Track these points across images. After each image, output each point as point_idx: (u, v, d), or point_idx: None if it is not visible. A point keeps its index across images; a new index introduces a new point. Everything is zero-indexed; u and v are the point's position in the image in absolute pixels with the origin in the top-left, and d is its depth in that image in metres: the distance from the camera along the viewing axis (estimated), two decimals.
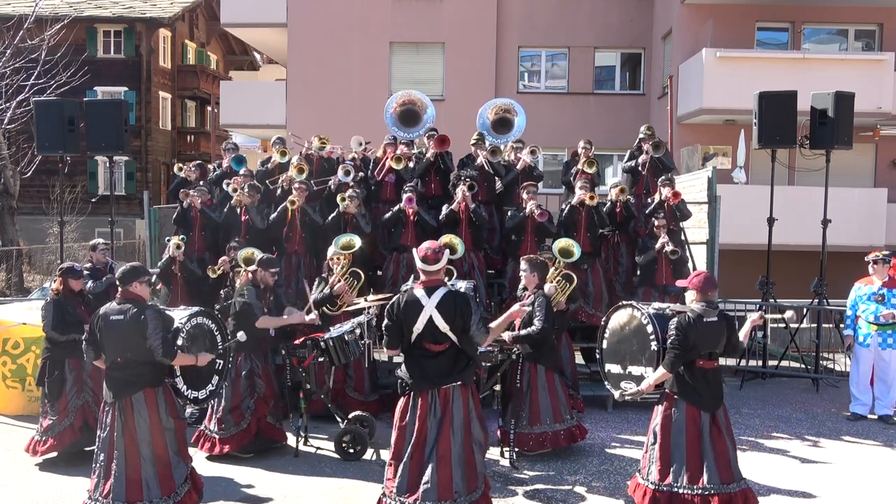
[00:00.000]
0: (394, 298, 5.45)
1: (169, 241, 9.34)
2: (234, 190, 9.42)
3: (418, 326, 5.21)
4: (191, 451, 6.38)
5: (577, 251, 8.34)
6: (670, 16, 19.20)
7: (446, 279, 7.10)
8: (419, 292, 5.27)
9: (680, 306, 5.82)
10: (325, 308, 8.07)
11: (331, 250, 8.40)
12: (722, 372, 5.80)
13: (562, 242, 8.36)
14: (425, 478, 5.18)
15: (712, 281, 5.63)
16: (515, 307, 5.86)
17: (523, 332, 7.02)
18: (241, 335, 6.44)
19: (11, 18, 20.92)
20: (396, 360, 5.61)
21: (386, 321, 5.40)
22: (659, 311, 5.91)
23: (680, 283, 5.99)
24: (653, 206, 9.38)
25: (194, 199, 9.53)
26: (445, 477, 5.18)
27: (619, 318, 6.19)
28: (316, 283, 8.29)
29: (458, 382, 5.28)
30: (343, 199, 8.96)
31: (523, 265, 7.31)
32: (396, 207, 9.06)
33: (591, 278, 9.29)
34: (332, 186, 9.75)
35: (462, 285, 6.43)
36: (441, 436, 5.22)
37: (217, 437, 7.13)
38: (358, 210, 9.06)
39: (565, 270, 8.12)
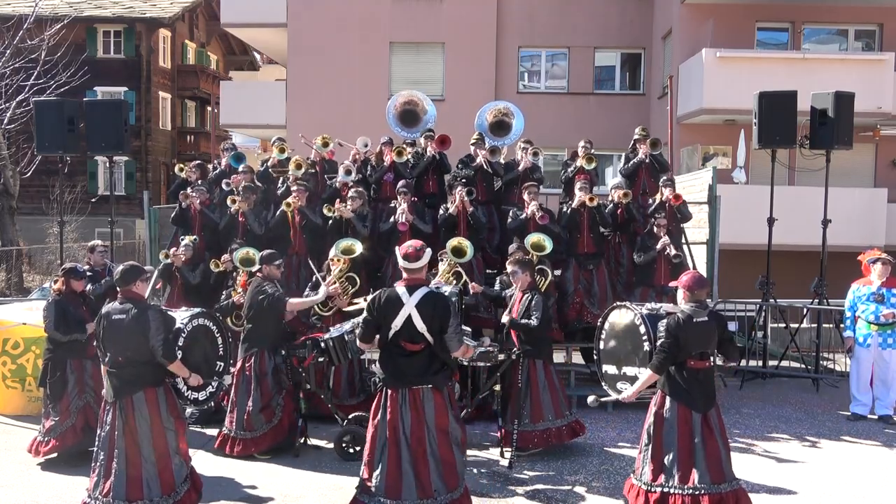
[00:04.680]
0: (374, 294, 5.45)
1: (182, 239, 9.29)
2: (234, 201, 9.32)
3: (396, 323, 5.22)
4: (199, 452, 6.54)
5: (548, 245, 8.38)
6: (670, 16, 19.19)
7: (445, 282, 7.14)
8: (401, 290, 5.28)
9: (672, 307, 5.83)
10: (316, 308, 8.08)
11: (332, 251, 8.41)
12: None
13: (533, 237, 8.41)
14: (404, 478, 5.19)
15: (702, 281, 5.64)
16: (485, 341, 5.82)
17: (522, 321, 7.06)
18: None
19: (11, 18, 20.94)
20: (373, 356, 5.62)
21: (365, 314, 5.42)
22: (652, 312, 5.92)
23: (672, 283, 6.01)
24: (654, 206, 9.39)
25: (193, 200, 9.51)
26: (424, 476, 5.19)
27: (613, 319, 6.21)
28: (310, 284, 8.29)
29: (430, 385, 5.27)
30: (330, 210, 8.93)
31: (511, 268, 7.33)
32: (392, 220, 9.04)
33: (597, 279, 9.31)
34: (337, 184, 9.73)
35: (447, 290, 6.46)
36: (416, 436, 5.21)
37: (248, 437, 7.12)
38: (360, 209, 9.05)
39: (540, 266, 8.23)
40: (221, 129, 25.72)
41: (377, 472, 5.24)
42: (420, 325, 5.20)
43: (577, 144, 10.25)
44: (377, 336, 5.36)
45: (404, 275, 5.37)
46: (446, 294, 5.55)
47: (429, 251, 5.48)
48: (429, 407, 5.26)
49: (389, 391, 5.30)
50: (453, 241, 8.14)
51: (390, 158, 9.83)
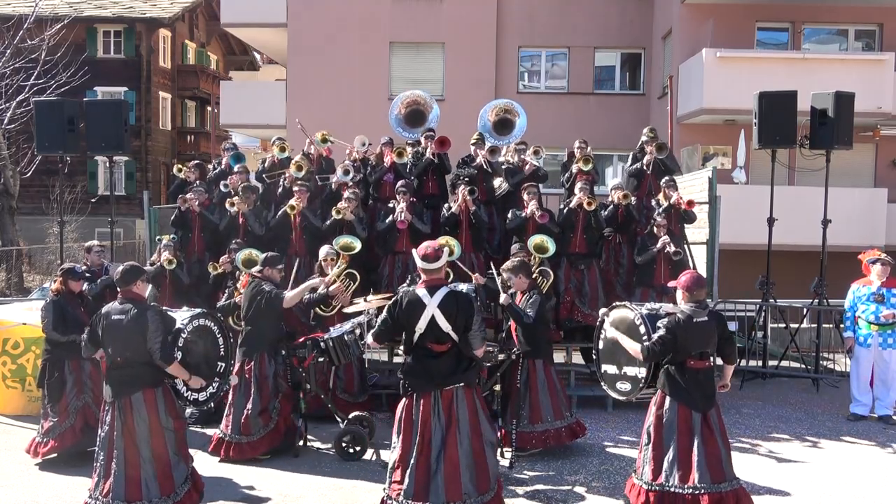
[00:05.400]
0: (395, 297, 5.45)
1: (160, 240, 9.30)
2: (232, 204, 9.32)
3: (421, 326, 5.22)
4: (199, 452, 6.49)
5: (551, 246, 8.39)
6: (670, 16, 19.19)
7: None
8: (421, 292, 5.28)
9: (673, 307, 5.83)
10: (318, 308, 8.07)
11: (323, 251, 8.37)
12: (721, 372, 5.81)
13: (536, 239, 8.43)
14: (434, 481, 5.18)
15: (700, 280, 5.65)
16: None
17: (517, 308, 7.03)
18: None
19: (11, 18, 20.95)
20: (393, 359, 5.62)
21: (384, 315, 5.42)
22: (652, 312, 5.92)
23: (671, 283, 6.02)
24: (662, 208, 9.39)
25: (192, 202, 9.48)
26: (454, 479, 5.18)
27: (613, 319, 6.20)
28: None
29: (461, 384, 5.28)
30: (338, 212, 8.93)
31: (505, 275, 7.33)
32: (390, 219, 9.05)
33: (588, 279, 9.30)
34: (333, 186, 9.74)
35: (463, 287, 6.45)
36: (448, 438, 5.21)
37: (244, 441, 7.08)
38: (356, 213, 9.05)
39: (542, 267, 8.25)
40: (221, 129, 25.73)
41: (407, 476, 5.23)
42: (445, 325, 5.20)
43: (573, 145, 10.26)
44: (392, 337, 5.35)
45: (423, 276, 5.38)
46: (465, 291, 5.56)
47: (447, 251, 5.51)
48: (462, 407, 5.28)
49: (421, 397, 5.29)
50: (441, 240, 8.14)
51: (391, 159, 9.83)
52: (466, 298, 5.34)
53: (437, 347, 5.27)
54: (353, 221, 8.93)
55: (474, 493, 5.22)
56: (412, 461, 5.24)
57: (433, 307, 5.20)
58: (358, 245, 8.45)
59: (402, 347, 5.54)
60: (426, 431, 5.24)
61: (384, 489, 5.43)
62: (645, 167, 10.03)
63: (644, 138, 10.20)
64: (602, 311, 6.43)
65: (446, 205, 9.26)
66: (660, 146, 10.03)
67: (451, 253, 8.07)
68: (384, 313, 5.45)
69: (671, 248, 8.95)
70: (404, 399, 5.40)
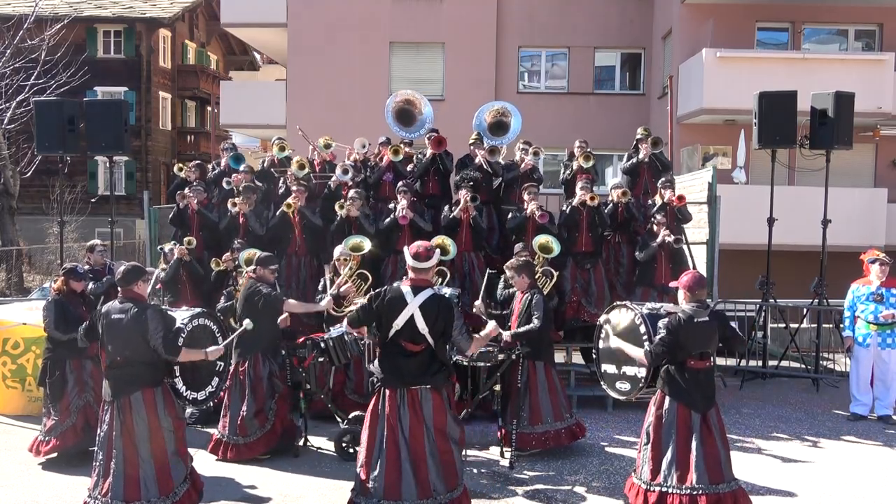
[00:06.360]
0: (379, 290, 5.43)
1: (162, 249, 9.29)
2: (234, 204, 9.32)
3: (398, 323, 5.20)
4: (200, 452, 6.51)
5: (556, 247, 8.40)
6: (670, 16, 19.20)
7: (438, 280, 7.16)
8: (405, 289, 5.26)
9: (673, 306, 5.83)
10: (331, 309, 8.06)
11: (337, 251, 8.38)
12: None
13: (541, 239, 8.42)
14: (404, 478, 5.17)
15: (702, 280, 5.65)
16: (490, 326, 5.63)
17: (522, 329, 7.06)
18: (247, 323, 6.45)
19: (11, 18, 20.96)
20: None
21: (364, 302, 5.41)
22: (652, 311, 5.92)
23: (672, 283, 6.02)
24: (655, 208, 9.40)
25: (191, 200, 9.50)
26: (423, 476, 5.18)
27: (613, 319, 6.21)
28: (320, 285, 8.27)
29: (428, 386, 5.26)
30: (342, 206, 8.93)
31: (509, 273, 7.34)
32: (390, 218, 9.05)
33: (594, 278, 9.32)
34: (332, 186, 9.75)
35: (447, 291, 6.45)
36: (414, 436, 5.20)
37: (241, 442, 7.08)
38: (361, 211, 9.05)
39: (546, 266, 8.26)
40: (221, 129, 25.73)
41: (375, 473, 5.22)
42: (422, 327, 5.18)
43: (573, 144, 10.29)
44: (365, 326, 5.36)
45: (410, 274, 5.36)
46: (447, 296, 5.55)
47: (438, 252, 5.49)
48: (427, 407, 5.25)
49: (387, 391, 5.29)
50: (437, 240, 8.16)
51: (388, 158, 9.84)
52: (447, 303, 5.31)
53: (410, 346, 5.25)
54: (360, 218, 8.94)
55: (443, 490, 5.21)
56: (382, 459, 5.21)
57: (414, 307, 5.18)
58: (367, 245, 8.45)
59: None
60: (393, 428, 5.22)
61: (352, 489, 5.38)
62: (644, 157, 10.03)
63: (638, 136, 10.25)
64: (602, 318, 6.42)
65: (447, 206, 9.26)
66: (655, 141, 10.09)
67: (445, 253, 8.10)
68: (365, 300, 5.43)
69: (671, 238, 8.94)
70: (373, 397, 5.40)
